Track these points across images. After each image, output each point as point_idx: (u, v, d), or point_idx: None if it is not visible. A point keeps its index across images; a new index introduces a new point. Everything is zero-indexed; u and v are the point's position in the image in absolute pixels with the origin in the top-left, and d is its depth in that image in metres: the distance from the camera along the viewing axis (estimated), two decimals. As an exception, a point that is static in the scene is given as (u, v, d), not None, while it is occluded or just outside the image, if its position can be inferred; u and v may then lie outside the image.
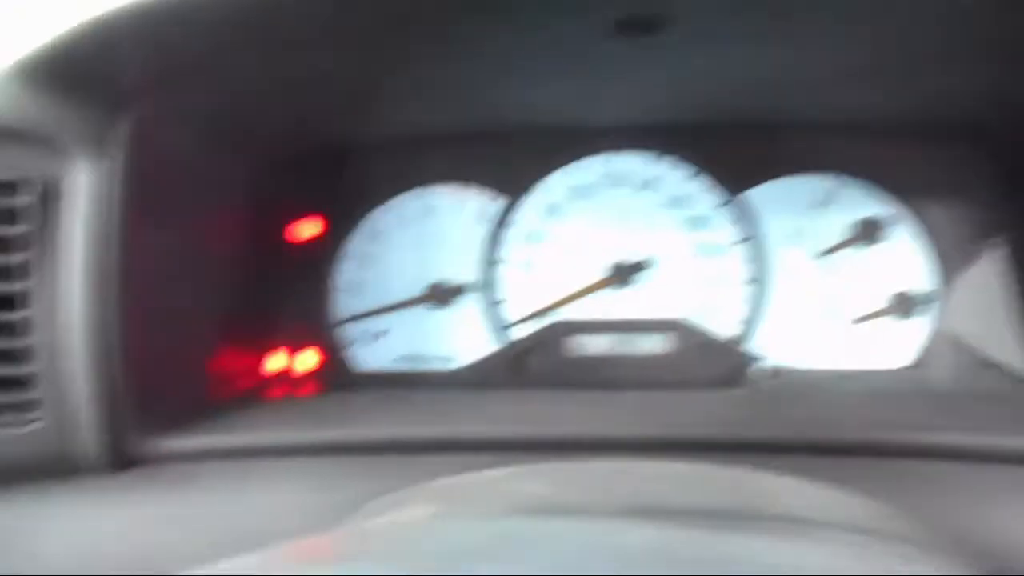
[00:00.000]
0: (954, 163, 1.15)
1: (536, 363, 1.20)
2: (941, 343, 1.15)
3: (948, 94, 1.03)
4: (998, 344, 1.11)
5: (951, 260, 1.15)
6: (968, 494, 0.70)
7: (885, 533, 0.58)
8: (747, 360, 1.16)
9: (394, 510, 0.63)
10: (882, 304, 1.17)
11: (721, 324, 1.19)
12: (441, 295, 1.24)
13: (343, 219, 1.26)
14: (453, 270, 1.25)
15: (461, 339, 1.24)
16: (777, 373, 1.13)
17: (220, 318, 1.09)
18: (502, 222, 1.24)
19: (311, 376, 1.24)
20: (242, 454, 0.83)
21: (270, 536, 0.71)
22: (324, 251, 1.25)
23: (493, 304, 1.23)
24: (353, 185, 1.25)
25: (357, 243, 1.26)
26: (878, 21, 0.81)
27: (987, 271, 1.13)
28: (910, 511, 0.61)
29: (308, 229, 1.26)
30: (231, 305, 1.11)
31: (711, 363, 1.16)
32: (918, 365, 1.15)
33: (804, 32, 0.85)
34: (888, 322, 1.17)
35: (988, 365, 1.10)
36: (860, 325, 1.17)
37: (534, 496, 0.58)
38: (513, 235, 1.24)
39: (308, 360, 1.24)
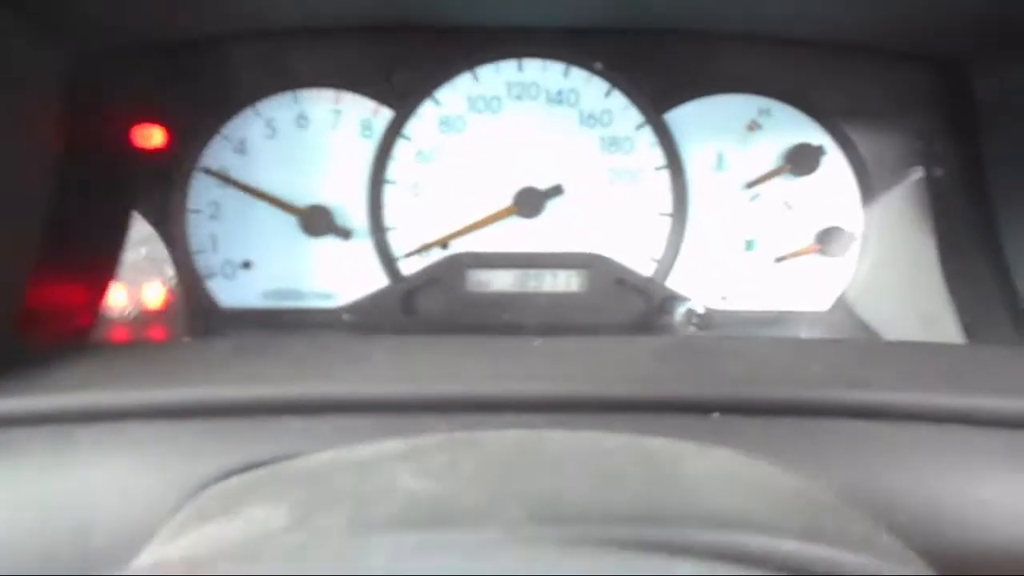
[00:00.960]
0: (893, 88, 1.06)
1: (430, 302, 1.07)
2: (863, 286, 1.09)
3: (890, 8, 0.92)
4: (911, 293, 1.06)
5: (880, 196, 1.08)
6: (891, 453, 0.63)
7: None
8: (665, 302, 1.06)
9: (232, 510, 0.48)
10: (808, 241, 1.09)
11: (638, 260, 1.08)
12: (318, 221, 1.06)
13: (196, 126, 1.06)
14: (332, 192, 1.07)
15: (343, 273, 1.08)
16: (696, 317, 1.03)
17: (36, 241, 0.89)
18: (390, 136, 1.07)
19: (161, 315, 1.06)
20: (58, 418, 0.65)
21: (84, 531, 0.57)
22: (174, 164, 1.06)
23: (380, 233, 1.08)
24: (207, 86, 1.06)
25: (215, 155, 1.06)
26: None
27: (912, 212, 1.07)
28: (832, 471, 0.58)
29: (153, 137, 1.05)
30: (54, 226, 0.92)
31: (627, 304, 1.06)
32: (840, 308, 1.09)
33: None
34: (813, 261, 1.09)
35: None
36: (783, 263, 1.09)
37: (415, 495, 0.44)
38: (403, 152, 1.07)
39: (157, 295, 1.06)
